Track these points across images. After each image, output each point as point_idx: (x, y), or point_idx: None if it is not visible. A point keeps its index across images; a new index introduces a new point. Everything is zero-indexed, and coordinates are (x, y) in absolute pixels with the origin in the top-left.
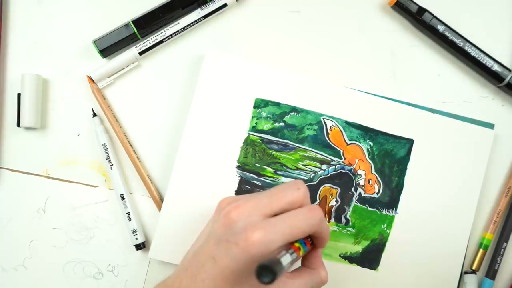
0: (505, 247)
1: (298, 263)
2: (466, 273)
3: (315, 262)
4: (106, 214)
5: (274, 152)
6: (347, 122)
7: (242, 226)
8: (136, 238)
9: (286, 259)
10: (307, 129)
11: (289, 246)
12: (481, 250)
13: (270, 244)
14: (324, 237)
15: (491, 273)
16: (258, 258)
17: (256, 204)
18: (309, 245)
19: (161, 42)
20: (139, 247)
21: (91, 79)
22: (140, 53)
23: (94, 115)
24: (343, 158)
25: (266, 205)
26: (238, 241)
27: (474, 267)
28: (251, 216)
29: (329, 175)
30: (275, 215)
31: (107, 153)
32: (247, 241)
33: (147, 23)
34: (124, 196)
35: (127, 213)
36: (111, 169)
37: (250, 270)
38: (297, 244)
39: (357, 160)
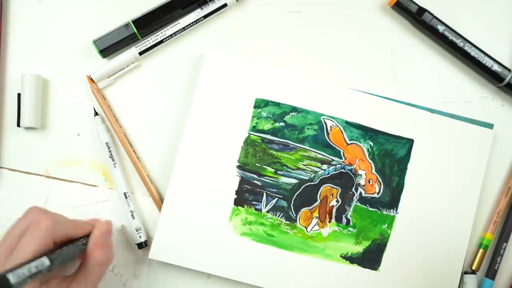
0: (505, 247)
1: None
2: (466, 273)
3: (90, 247)
4: (106, 213)
5: (274, 152)
6: (347, 122)
7: None
8: (140, 236)
9: (21, 274)
10: (308, 129)
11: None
12: (481, 250)
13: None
14: (72, 233)
15: (491, 273)
16: None
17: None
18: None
19: (161, 42)
20: (141, 245)
21: (91, 79)
22: (140, 53)
23: (96, 114)
24: (344, 158)
25: (3, 248)
26: None
27: (474, 267)
28: None
29: (329, 175)
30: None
31: (110, 151)
32: None
33: (147, 23)
34: (127, 194)
35: (130, 211)
36: (115, 167)
37: None
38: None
39: (357, 160)
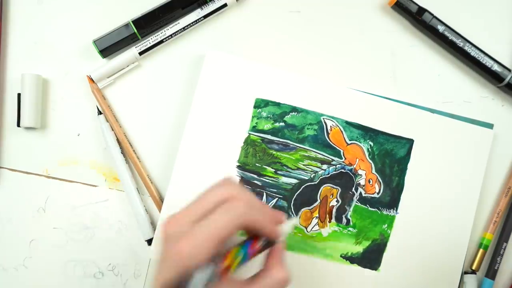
0: (505, 247)
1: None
2: (466, 273)
3: (270, 261)
4: (107, 213)
5: (274, 152)
6: (347, 122)
7: (175, 238)
8: (154, 230)
9: (200, 277)
10: (308, 129)
11: (219, 257)
12: (481, 250)
13: (200, 253)
14: (259, 227)
15: (491, 273)
16: (194, 268)
17: (185, 212)
18: (258, 247)
19: (161, 42)
20: (150, 241)
21: (91, 79)
22: (140, 53)
23: (100, 113)
24: (344, 158)
25: (193, 210)
26: (172, 254)
27: (474, 267)
28: (182, 225)
29: (329, 175)
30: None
31: (120, 147)
32: (179, 253)
33: (147, 23)
34: (139, 190)
35: (143, 206)
36: (126, 163)
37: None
38: (233, 251)
39: (357, 160)
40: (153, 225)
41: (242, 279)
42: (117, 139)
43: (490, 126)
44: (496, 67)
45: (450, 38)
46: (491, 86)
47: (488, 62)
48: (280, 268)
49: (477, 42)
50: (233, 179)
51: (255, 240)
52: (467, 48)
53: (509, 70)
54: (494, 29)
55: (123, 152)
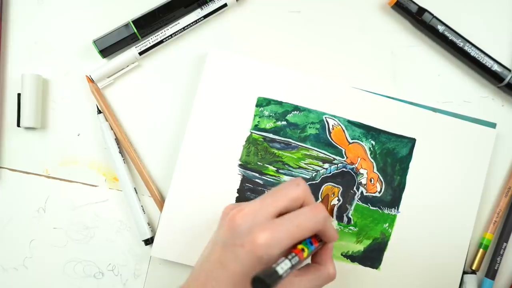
0: (505, 247)
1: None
2: (466, 273)
3: (323, 257)
4: (106, 213)
5: (276, 151)
6: (349, 121)
7: (248, 228)
8: (152, 231)
9: (284, 266)
10: (309, 127)
11: (290, 250)
12: (481, 250)
13: (277, 245)
14: (330, 234)
15: (491, 273)
16: (266, 260)
17: (260, 205)
18: (317, 243)
19: (161, 42)
20: (148, 241)
21: (90, 79)
22: (140, 53)
23: (99, 112)
24: (345, 157)
25: (270, 204)
26: (245, 244)
27: (474, 267)
28: (256, 217)
29: (331, 174)
30: (279, 215)
31: (119, 147)
32: (254, 243)
33: (147, 23)
34: (136, 190)
35: (141, 206)
36: (124, 163)
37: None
38: (300, 246)
39: (359, 159)
40: (151, 225)
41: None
42: (117, 139)
43: (492, 125)
44: (496, 67)
45: (450, 38)
46: (491, 86)
47: (488, 62)
48: (332, 265)
49: (477, 42)
50: (302, 180)
51: (314, 237)
52: (467, 48)
53: (509, 70)
54: (494, 29)
55: (122, 151)
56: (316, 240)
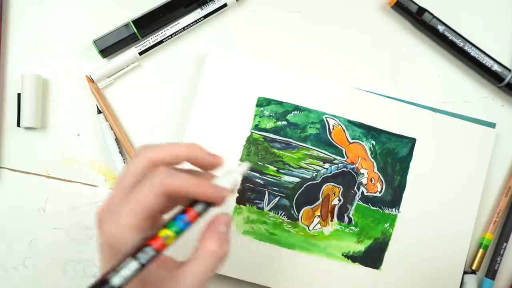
0: (505, 247)
1: None
2: (466, 273)
3: (204, 233)
4: None
5: (276, 151)
6: (349, 121)
7: (106, 219)
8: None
9: (125, 273)
10: (310, 127)
11: (146, 241)
12: (481, 250)
13: (126, 234)
14: (187, 191)
15: (491, 273)
16: (118, 250)
17: (112, 193)
18: (195, 214)
19: (161, 42)
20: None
21: (90, 79)
22: (140, 53)
23: (99, 112)
24: (346, 157)
25: (118, 190)
26: (101, 234)
27: (474, 267)
28: (110, 208)
29: (331, 173)
30: None
31: (119, 147)
32: (107, 238)
33: (147, 23)
34: None
35: None
36: (124, 163)
37: None
38: (163, 233)
39: (359, 159)
40: None
41: (178, 260)
42: (117, 139)
43: (492, 125)
44: (496, 67)
45: (450, 38)
46: (491, 86)
47: (488, 62)
48: (213, 240)
49: (477, 42)
50: (148, 145)
51: (189, 208)
52: (467, 48)
53: (509, 70)
54: (494, 29)
55: (122, 151)
56: (192, 211)
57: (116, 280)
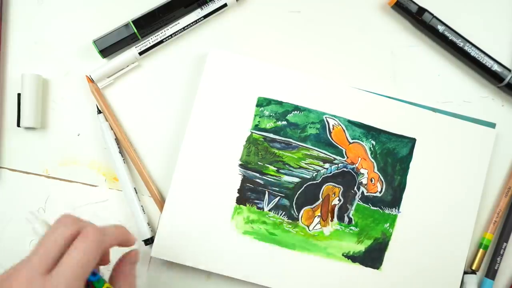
0: (505, 247)
1: None
2: (466, 273)
3: (112, 278)
4: (106, 213)
5: (276, 151)
6: (349, 121)
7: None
8: (152, 231)
9: None
10: (310, 127)
11: None
12: (481, 250)
13: None
14: (115, 243)
15: (491, 273)
16: None
17: (30, 266)
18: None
19: (161, 42)
20: (148, 241)
21: (90, 79)
22: (140, 53)
23: (99, 112)
24: (346, 157)
25: (40, 261)
26: None
27: (474, 267)
28: (31, 282)
29: (331, 173)
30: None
31: (119, 147)
32: None
33: (147, 23)
34: (136, 190)
35: (141, 206)
36: (124, 163)
37: None
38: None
39: (359, 159)
40: (151, 225)
41: None
42: (116, 139)
43: (492, 125)
44: (496, 67)
45: (450, 38)
46: (491, 86)
47: (488, 62)
48: (126, 281)
49: (477, 42)
50: (71, 214)
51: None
52: (467, 48)
53: (509, 70)
54: (494, 29)
55: (122, 151)
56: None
57: None
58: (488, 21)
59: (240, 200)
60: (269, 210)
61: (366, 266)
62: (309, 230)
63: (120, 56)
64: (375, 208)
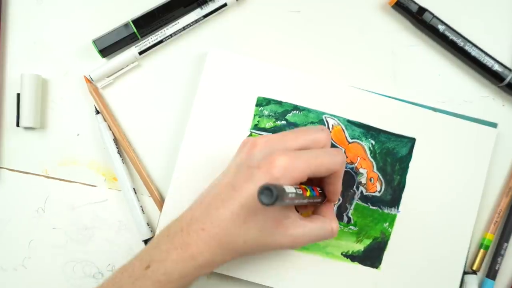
0: (506, 247)
1: None
2: (466, 273)
3: (328, 212)
4: (106, 213)
5: None
6: (348, 121)
7: (267, 152)
8: (151, 231)
9: (291, 189)
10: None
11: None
12: (481, 250)
13: (294, 170)
14: (335, 189)
15: (492, 273)
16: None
17: (281, 136)
18: (318, 193)
19: (160, 42)
20: (147, 242)
21: (88, 79)
22: (140, 53)
23: (97, 112)
24: (345, 157)
25: (292, 138)
26: (261, 165)
27: (474, 268)
28: (276, 145)
29: None
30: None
31: (117, 147)
32: (272, 164)
33: (147, 23)
34: (136, 190)
35: (140, 206)
36: (123, 163)
37: None
38: (304, 186)
39: (358, 158)
40: (151, 225)
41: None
42: (115, 139)
43: (493, 125)
44: (496, 67)
45: (450, 37)
46: (491, 86)
47: (489, 62)
48: (336, 221)
49: (477, 42)
50: (324, 127)
51: (317, 190)
52: (468, 47)
53: (509, 70)
54: (495, 29)
55: (121, 151)
56: (317, 190)
57: (287, 189)
58: (488, 20)
59: None
60: None
61: (365, 265)
62: None
63: (120, 56)
64: (374, 208)
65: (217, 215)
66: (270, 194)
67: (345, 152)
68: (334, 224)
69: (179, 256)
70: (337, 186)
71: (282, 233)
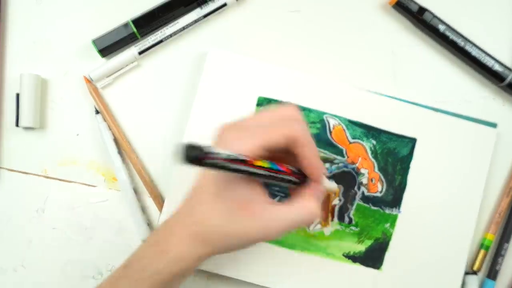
0: (507, 247)
1: None
2: (467, 273)
3: (306, 192)
4: (106, 213)
5: None
6: (350, 121)
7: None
8: (151, 230)
9: (224, 151)
10: (310, 127)
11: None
12: (482, 251)
13: (240, 143)
14: (311, 161)
15: (493, 273)
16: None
17: (246, 117)
18: (288, 170)
19: (160, 41)
20: None
21: (88, 79)
22: (140, 53)
23: (97, 112)
24: (346, 157)
25: (253, 117)
26: (215, 144)
27: (475, 268)
28: (237, 129)
29: (332, 173)
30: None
31: (117, 147)
32: (219, 138)
33: (147, 23)
34: (136, 190)
35: (140, 206)
36: (123, 163)
37: (235, 177)
38: (265, 160)
39: (360, 158)
40: (151, 225)
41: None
42: (115, 139)
43: (493, 125)
44: (497, 67)
45: (450, 37)
46: (492, 85)
47: (489, 62)
48: (315, 203)
49: (478, 42)
50: (298, 108)
51: (295, 173)
52: (468, 47)
53: (510, 69)
54: (495, 29)
55: (120, 151)
56: (289, 169)
57: (206, 148)
58: (489, 20)
59: None
60: None
61: (367, 266)
62: (309, 230)
63: (120, 55)
64: (376, 208)
65: (187, 205)
66: (193, 150)
67: (346, 152)
68: (312, 204)
69: (152, 252)
70: (311, 159)
71: (249, 219)
